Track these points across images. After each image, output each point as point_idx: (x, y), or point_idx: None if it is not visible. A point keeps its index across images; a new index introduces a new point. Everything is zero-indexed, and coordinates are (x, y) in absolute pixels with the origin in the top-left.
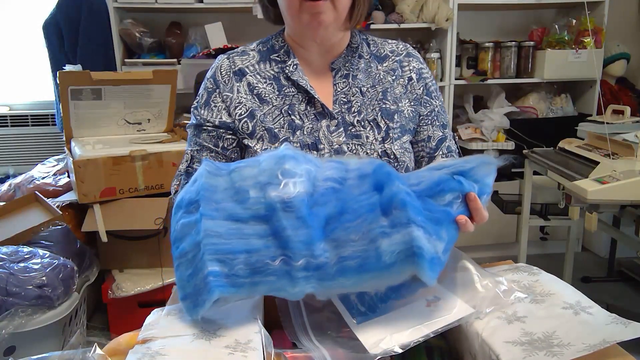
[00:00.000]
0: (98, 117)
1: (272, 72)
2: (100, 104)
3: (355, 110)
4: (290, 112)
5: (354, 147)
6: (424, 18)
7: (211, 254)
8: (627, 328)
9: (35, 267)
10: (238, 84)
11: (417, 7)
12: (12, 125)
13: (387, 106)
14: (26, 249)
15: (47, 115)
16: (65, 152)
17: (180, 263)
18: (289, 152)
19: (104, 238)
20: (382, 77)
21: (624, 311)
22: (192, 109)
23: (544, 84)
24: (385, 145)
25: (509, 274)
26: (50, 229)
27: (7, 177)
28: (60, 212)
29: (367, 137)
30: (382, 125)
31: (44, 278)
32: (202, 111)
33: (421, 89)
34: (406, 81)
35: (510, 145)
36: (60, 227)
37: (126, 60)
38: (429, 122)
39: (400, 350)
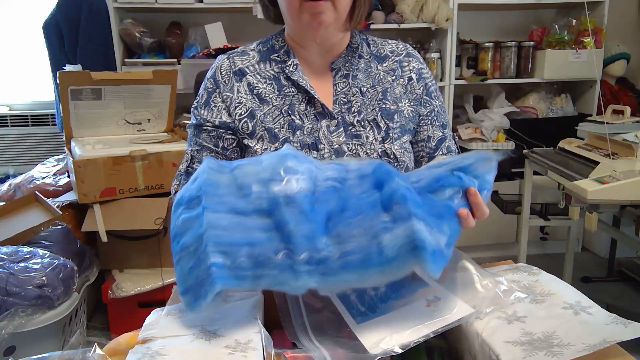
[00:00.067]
0: (98, 117)
1: (272, 72)
2: (100, 104)
3: (355, 110)
4: (290, 112)
5: (353, 147)
6: (424, 18)
7: (214, 246)
8: (627, 328)
9: (35, 267)
10: (238, 84)
11: (417, 7)
12: (12, 125)
13: (387, 106)
14: (26, 249)
15: (47, 115)
16: (65, 152)
17: (181, 257)
18: (290, 151)
19: (104, 238)
20: (382, 77)
21: (624, 311)
22: (192, 109)
23: (544, 84)
24: (385, 145)
25: (509, 274)
26: (50, 229)
27: (7, 177)
28: (60, 212)
29: (367, 137)
30: (382, 125)
31: (44, 278)
32: (202, 111)
33: (421, 89)
34: (406, 81)
35: (510, 145)
36: (60, 227)
37: (126, 60)
38: (429, 122)
39: (400, 350)
